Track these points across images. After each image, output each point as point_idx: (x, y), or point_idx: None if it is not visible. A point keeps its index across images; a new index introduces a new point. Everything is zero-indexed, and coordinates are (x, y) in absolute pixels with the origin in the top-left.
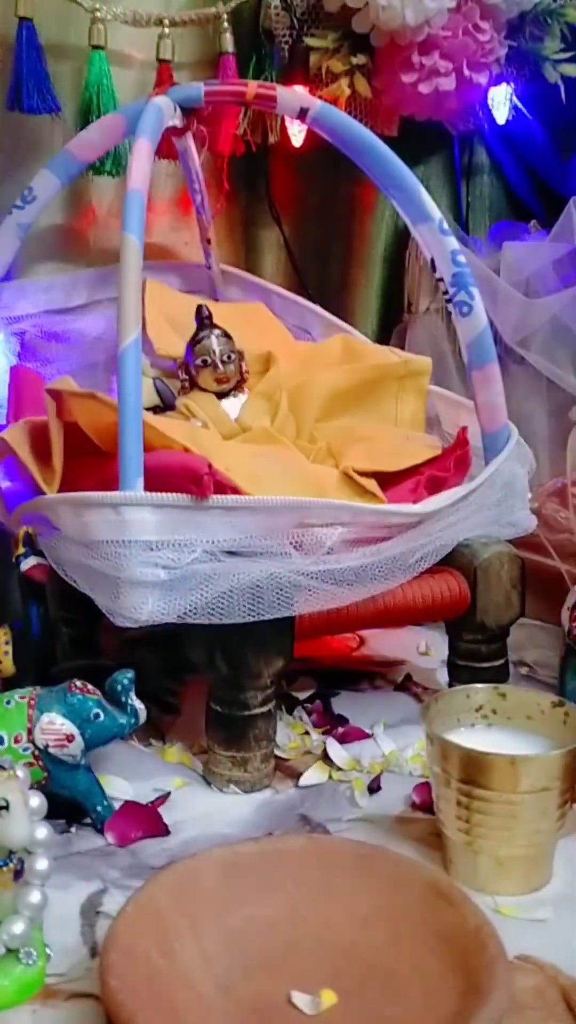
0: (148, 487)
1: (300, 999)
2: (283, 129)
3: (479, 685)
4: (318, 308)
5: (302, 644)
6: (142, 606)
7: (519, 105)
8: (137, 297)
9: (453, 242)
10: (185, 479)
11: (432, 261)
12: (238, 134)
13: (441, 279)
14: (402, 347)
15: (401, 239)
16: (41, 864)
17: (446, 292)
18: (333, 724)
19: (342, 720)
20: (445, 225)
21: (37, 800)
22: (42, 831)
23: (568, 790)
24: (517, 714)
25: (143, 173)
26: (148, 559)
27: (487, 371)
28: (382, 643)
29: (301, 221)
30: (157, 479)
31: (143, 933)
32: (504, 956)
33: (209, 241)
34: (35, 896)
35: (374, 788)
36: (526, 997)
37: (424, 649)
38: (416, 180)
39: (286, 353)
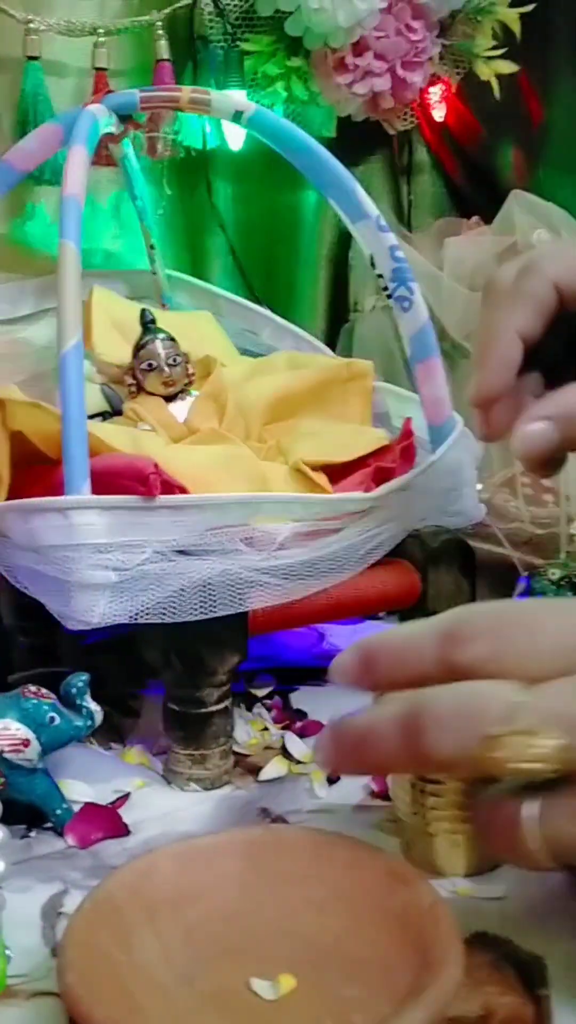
0: (95, 490)
1: (259, 985)
2: (222, 133)
3: None
4: (266, 311)
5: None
6: (93, 609)
7: (455, 102)
8: (76, 302)
9: (391, 238)
10: (132, 480)
11: (371, 258)
12: (177, 139)
13: (381, 275)
14: (350, 346)
15: (345, 239)
16: None
17: (386, 288)
18: (292, 719)
19: (301, 715)
20: (383, 221)
21: None
22: None
23: None
24: None
25: (78, 179)
26: (98, 562)
27: (430, 364)
28: (342, 638)
29: (245, 224)
30: (104, 482)
31: (101, 929)
32: (457, 931)
33: (153, 247)
34: None
35: (333, 779)
36: (483, 973)
37: None
38: (352, 179)
39: (230, 364)
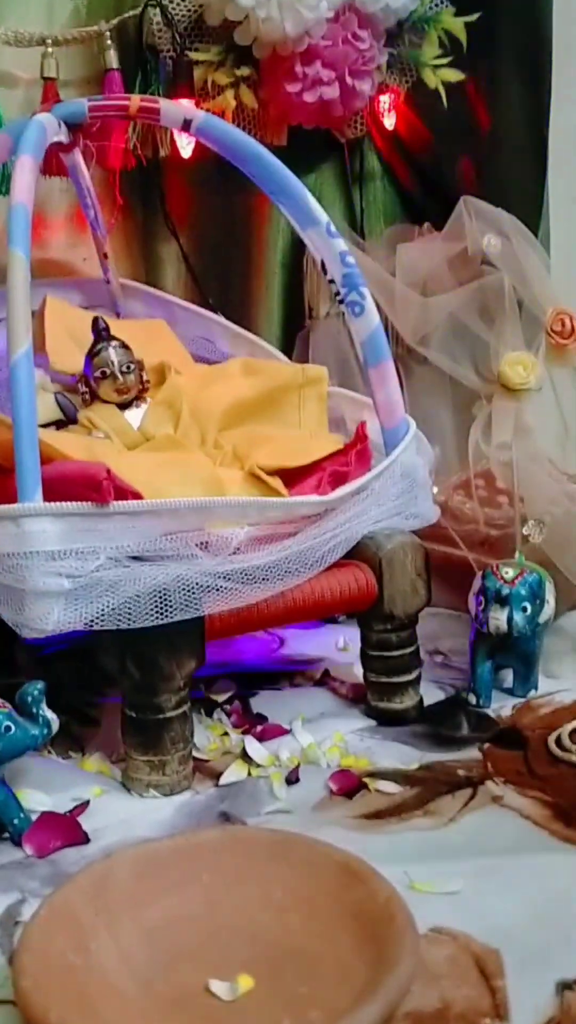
0: (48, 497)
1: (218, 986)
2: (173, 142)
3: None
4: (221, 318)
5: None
6: (47, 616)
7: (405, 110)
8: (26, 310)
9: (341, 244)
10: (85, 487)
11: (322, 264)
12: (128, 148)
13: (332, 280)
14: (306, 352)
15: (298, 246)
16: None
17: (338, 293)
18: (252, 723)
19: (261, 719)
20: (333, 228)
21: None
22: None
23: None
24: None
25: (26, 188)
26: (51, 569)
27: (382, 368)
28: (302, 642)
29: (198, 232)
30: (57, 489)
31: (57, 934)
32: (412, 925)
33: (106, 255)
34: None
35: (292, 780)
36: (440, 967)
37: (343, 645)
38: (302, 186)
39: (185, 372)
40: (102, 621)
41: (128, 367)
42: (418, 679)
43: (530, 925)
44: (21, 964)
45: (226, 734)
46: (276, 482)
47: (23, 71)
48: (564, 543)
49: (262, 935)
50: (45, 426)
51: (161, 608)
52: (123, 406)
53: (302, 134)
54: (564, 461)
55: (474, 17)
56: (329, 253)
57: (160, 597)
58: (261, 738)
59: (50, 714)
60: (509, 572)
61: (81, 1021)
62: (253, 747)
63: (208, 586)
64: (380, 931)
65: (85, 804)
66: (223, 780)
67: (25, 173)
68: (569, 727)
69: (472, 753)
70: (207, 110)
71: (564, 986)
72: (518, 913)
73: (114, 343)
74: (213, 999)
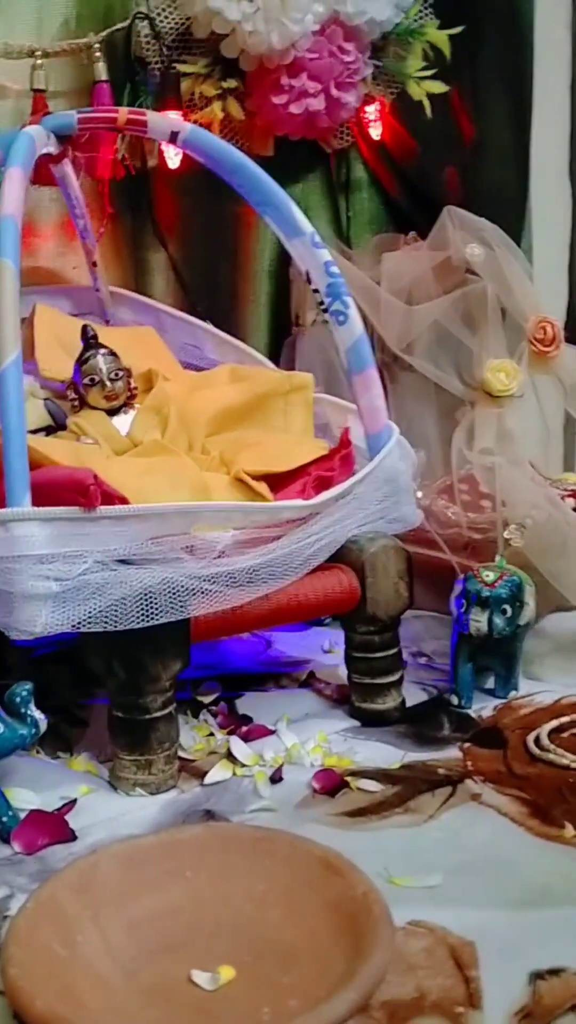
0: (37, 502)
1: (200, 976)
2: (161, 152)
3: None
4: (209, 326)
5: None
6: (36, 619)
7: (391, 121)
8: (15, 319)
9: (325, 254)
10: (72, 491)
11: (307, 274)
12: (117, 159)
13: (317, 290)
14: (293, 359)
15: (285, 255)
16: None
17: (322, 302)
18: (238, 724)
19: (246, 719)
20: (317, 238)
21: None
22: None
23: None
24: None
25: (15, 199)
26: (39, 572)
27: (366, 375)
28: (288, 644)
29: (187, 241)
30: (45, 494)
31: (44, 926)
32: (388, 918)
33: (95, 264)
34: None
35: (276, 779)
36: (417, 958)
37: (328, 647)
38: (286, 196)
39: (173, 378)
40: (89, 623)
41: (116, 374)
42: (401, 680)
43: (505, 918)
44: (8, 955)
45: (212, 735)
46: (262, 487)
47: (13, 82)
48: (545, 547)
49: (244, 928)
50: (34, 432)
51: (147, 610)
52: (112, 412)
53: (288, 145)
54: (545, 466)
55: (458, 30)
56: (314, 263)
57: (146, 600)
58: (246, 738)
59: (38, 714)
60: (490, 575)
61: (67, 1010)
62: (238, 747)
63: (194, 589)
64: (357, 923)
65: (72, 803)
66: (208, 779)
67: (14, 184)
68: (548, 727)
69: (453, 752)
70: (194, 122)
71: (537, 976)
72: (494, 907)
73: (103, 351)
74: (196, 989)
